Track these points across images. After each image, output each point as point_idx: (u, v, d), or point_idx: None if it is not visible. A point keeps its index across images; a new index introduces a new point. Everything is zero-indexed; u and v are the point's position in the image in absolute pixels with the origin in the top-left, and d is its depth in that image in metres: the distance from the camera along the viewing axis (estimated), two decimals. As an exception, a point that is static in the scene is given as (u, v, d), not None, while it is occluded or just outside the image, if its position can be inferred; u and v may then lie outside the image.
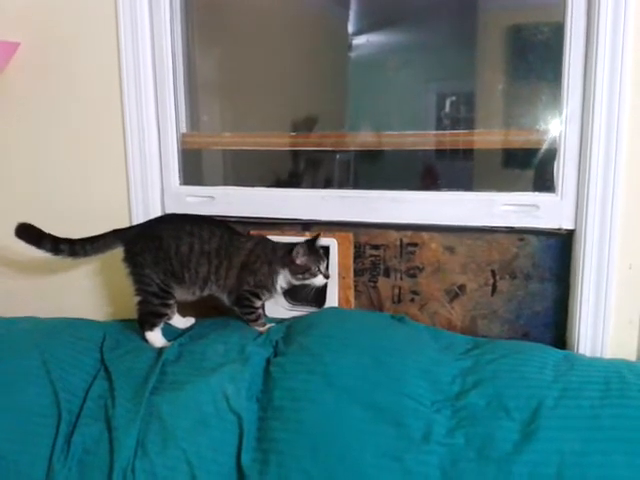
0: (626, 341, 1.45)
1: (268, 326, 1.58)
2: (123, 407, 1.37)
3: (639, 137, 1.38)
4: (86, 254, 1.60)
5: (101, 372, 1.46)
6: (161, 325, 1.57)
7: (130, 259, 1.57)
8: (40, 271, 1.87)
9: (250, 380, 1.38)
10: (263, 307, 1.63)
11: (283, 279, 1.57)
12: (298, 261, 1.53)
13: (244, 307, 1.57)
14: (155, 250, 1.55)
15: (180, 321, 1.64)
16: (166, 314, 1.58)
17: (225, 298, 1.59)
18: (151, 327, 1.56)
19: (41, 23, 1.75)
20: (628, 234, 1.41)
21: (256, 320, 1.58)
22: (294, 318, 1.61)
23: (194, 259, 1.54)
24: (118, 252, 1.60)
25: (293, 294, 1.72)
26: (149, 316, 1.57)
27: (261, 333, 1.55)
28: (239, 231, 1.62)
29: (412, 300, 1.63)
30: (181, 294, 1.59)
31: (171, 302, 1.59)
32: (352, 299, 1.66)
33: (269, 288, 1.57)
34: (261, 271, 1.55)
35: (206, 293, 1.60)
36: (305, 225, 1.68)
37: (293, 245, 1.54)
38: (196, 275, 1.56)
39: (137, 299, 1.59)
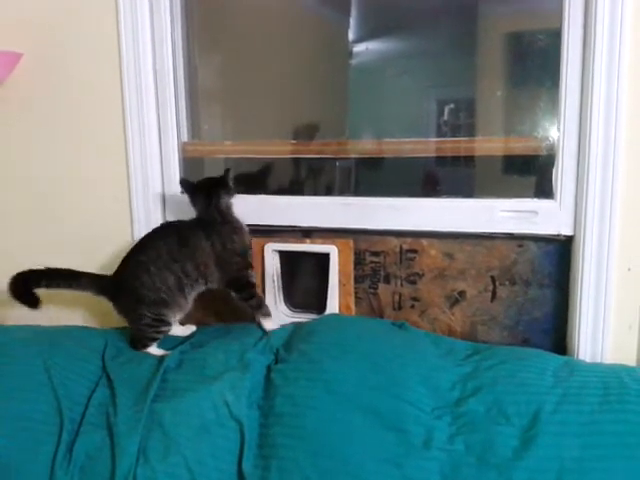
0: (626, 346, 1.45)
1: (274, 323, 1.59)
2: (125, 414, 1.37)
3: (636, 143, 1.39)
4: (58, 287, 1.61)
5: (103, 379, 1.47)
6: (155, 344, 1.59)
7: (121, 310, 1.60)
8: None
9: (250, 387, 1.39)
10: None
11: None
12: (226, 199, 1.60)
13: (243, 290, 1.59)
14: (131, 294, 1.56)
15: (180, 329, 1.64)
16: (159, 338, 1.58)
17: (222, 287, 1.60)
18: (143, 347, 1.57)
19: (43, 33, 1.76)
20: (626, 239, 1.42)
21: (260, 307, 1.59)
22: (294, 324, 1.61)
23: (157, 279, 1.54)
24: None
25: (293, 300, 1.73)
26: (142, 340, 1.57)
27: (267, 332, 1.56)
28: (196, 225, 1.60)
29: (412, 306, 1.63)
30: (176, 313, 1.59)
31: (165, 329, 1.58)
32: (352, 306, 1.67)
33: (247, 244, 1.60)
34: (235, 255, 1.57)
35: (194, 295, 1.60)
36: (306, 232, 1.68)
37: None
38: (170, 290, 1.55)
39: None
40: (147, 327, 1.56)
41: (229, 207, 1.61)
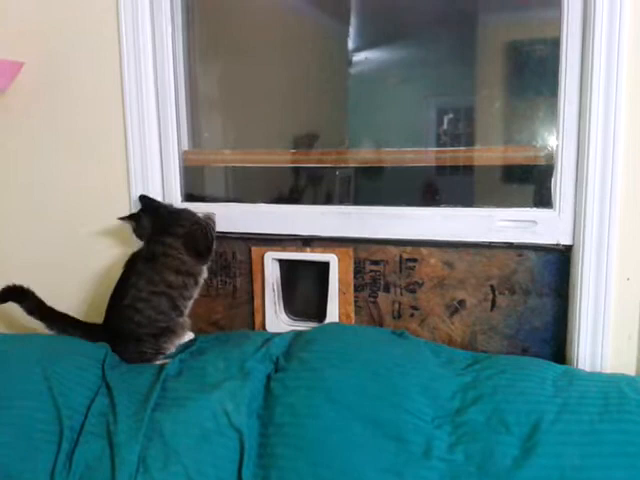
0: (625, 355, 1.45)
1: None
2: (125, 423, 1.37)
3: (635, 152, 1.40)
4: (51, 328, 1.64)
5: (102, 388, 1.46)
6: None
7: (120, 353, 1.58)
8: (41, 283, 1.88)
9: (250, 396, 1.39)
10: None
11: None
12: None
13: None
14: (129, 338, 1.56)
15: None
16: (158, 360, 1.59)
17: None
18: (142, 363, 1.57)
19: (45, 43, 1.77)
20: (625, 248, 1.42)
21: None
22: (294, 332, 1.61)
23: (151, 312, 1.55)
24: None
25: (293, 308, 1.73)
26: (142, 362, 1.57)
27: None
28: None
29: (412, 315, 1.63)
30: (179, 336, 1.59)
31: (165, 356, 1.58)
32: (352, 314, 1.67)
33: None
34: (189, 223, 1.63)
35: (189, 306, 1.62)
36: (306, 241, 1.69)
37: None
38: (167, 315, 1.57)
39: None
40: (147, 360, 1.56)
41: (170, 205, 1.70)
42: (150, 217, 1.65)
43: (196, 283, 1.61)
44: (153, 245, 1.61)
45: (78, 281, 1.84)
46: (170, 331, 1.57)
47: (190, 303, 1.62)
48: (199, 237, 1.62)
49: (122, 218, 1.67)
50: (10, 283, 1.64)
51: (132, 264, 1.61)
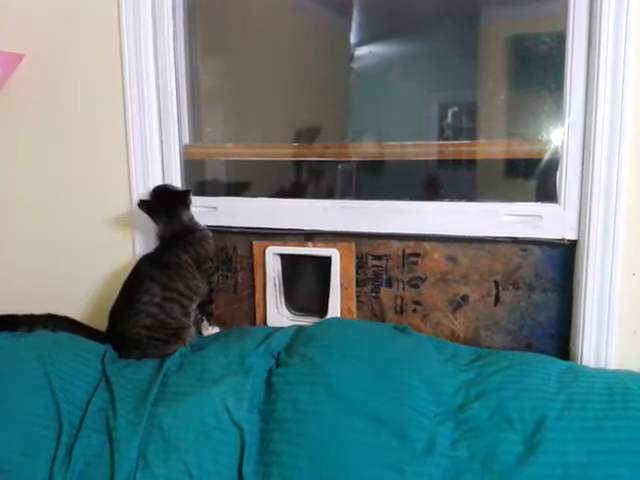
0: (630, 352, 1.44)
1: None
2: (124, 419, 1.36)
3: (641, 147, 1.38)
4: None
5: (102, 383, 1.45)
6: None
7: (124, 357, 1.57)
8: (43, 283, 1.87)
9: (251, 392, 1.38)
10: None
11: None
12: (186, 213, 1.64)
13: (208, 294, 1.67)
14: (136, 345, 1.55)
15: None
16: None
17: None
18: None
19: (45, 35, 1.76)
20: (631, 243, 1.41)
21: (211, 313, 1.71)
22: (295, 327, 1.60)
23: (164, 317, 1.54)
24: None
25: (295, 303, 1.72)
26: None
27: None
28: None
29: (414, 310, 1.62)
30: (184, 342, 1.57)
31: None
32: (354, 309, 1.66)
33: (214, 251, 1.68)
34: (208, 259, 1.63)
35: (193, 316, 1.62)
36: (307, 235, 1.68)
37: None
38: (179, 320, 1.56)
39: None
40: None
41: (191, 218, 1.65)
42: (165, 222, 1.62)
43: (198, 299, 1.62)
44: (168, 254, 1.59)
45: (78, 282, 1.83)
46: (178, 338, 1.55)
47: (192, 313, 1.62)
48: (212, 273, 1.67)
49: (142, 204, 1.63)
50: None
51: (141, 270, 1.60)
